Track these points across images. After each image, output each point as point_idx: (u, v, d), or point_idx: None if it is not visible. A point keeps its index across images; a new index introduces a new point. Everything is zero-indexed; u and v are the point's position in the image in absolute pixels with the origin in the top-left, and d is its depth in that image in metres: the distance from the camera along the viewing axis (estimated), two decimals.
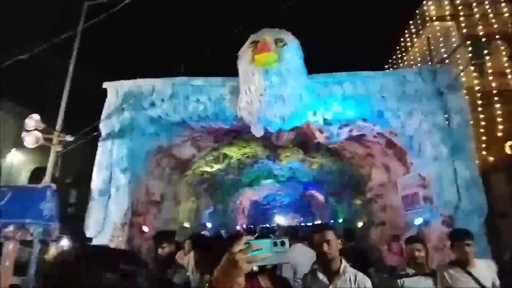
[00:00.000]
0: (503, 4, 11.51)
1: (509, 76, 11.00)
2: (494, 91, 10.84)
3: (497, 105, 10.72)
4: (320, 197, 15.67)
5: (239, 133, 7.75)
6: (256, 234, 6.05)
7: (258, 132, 6.44)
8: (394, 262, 6.28)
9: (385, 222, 8.14)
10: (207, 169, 9.81)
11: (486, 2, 11.57)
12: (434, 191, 5.97)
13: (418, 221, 6.44)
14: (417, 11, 13.17)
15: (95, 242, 5.64)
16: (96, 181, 6.10)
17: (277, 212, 22.26)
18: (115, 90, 6.67)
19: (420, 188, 6.51)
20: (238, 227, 14.77)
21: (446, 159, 5.90)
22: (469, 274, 2.52)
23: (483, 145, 9.89)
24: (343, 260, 2.08)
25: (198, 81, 6.56)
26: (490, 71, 11.07)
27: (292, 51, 5.65)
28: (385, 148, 7.45)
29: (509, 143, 9.89)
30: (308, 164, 10.58)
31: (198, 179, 10.15)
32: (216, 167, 9.83)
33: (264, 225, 16.51)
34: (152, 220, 7.11)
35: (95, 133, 6.17)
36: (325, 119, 6.66)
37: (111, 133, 6.30)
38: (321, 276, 2.05)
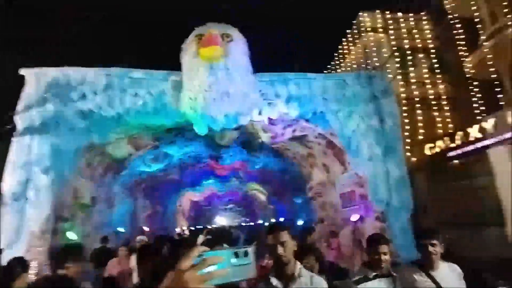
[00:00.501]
0: (425, 22, 12.98)
1: (428, 86, 12.42)
2: (416, 99, 12.16)
3: (419, 111, 12.03)
4: (262, 197, 15.85)
5: (181, 131, 7.38)
6: (205, 238, 5.50)
7: (201, 130, 6.18)
8: (332, 258, 6.55)
9: (324, 219, 8.49)
10: (146, 169, 9.20)
11: (411, 19, 12.92)
12: (369, 189, 6.36)
13: (355, 217, 6.84)
14: (354, 21, 14.16)
15: (8, 253, 4.84)
16: (9, 183, 5.20)
17: (218, 213, 22.03)
18: (37, 78, 5.81)
19: (356, 186, 6.93)
20: (178, 230, 14.18)
21: (379, 159, 6.32)
22: (430, 277, 2.33)
23: (407, 147, 10.97)
24: (297, 263, 1.94)
25: (137, 73, 6.02)
26: (413, 80, 12.39)
27: (238, 47, 5.49)
28: (326, 148, 7.77)
29: (428, 145, 11.15)
30: (251, 164, 10.58)
31: (135, 179, 9.47)
32: (156, 167, 9.26)
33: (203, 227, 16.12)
34: (80, 226, 6.38)
35: (8, 127, 5.29)
36: (269, 119, 6.68)
37: (30, 127, 5.45)
38: (275, 281, 1.87)
